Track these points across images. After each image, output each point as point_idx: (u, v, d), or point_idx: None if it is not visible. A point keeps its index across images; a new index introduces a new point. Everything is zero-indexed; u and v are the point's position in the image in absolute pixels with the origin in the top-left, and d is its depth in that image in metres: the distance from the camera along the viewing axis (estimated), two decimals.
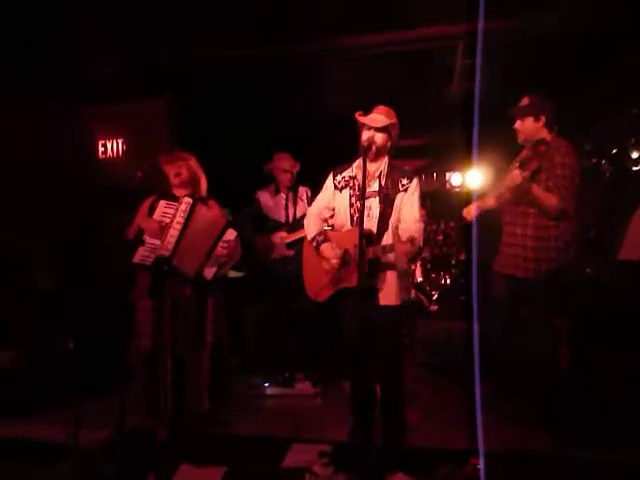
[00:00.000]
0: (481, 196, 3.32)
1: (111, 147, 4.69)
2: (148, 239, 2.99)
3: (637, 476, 2.35)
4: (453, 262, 5.05)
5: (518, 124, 3.10)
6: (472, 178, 5.81)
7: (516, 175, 2.87)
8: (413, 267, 3.00)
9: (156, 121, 4.50)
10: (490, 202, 3.22)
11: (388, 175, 2.75)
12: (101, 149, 4.68)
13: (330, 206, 2.90)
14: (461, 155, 5.85)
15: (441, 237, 2.39)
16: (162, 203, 3.06)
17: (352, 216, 2.76)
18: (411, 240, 2.53)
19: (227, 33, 3.55)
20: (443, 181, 6.10)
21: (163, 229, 2.99)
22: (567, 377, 2.89)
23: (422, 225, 2.68)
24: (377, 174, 2.76)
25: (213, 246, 3.01)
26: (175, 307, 2.98)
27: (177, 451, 2.74)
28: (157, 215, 3.03)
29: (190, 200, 3.05)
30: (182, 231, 2.99)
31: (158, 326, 2.95)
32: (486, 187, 5.75)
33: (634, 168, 3.83)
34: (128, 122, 4.54)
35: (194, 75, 4.08)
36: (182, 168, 3.11)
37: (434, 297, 5.01)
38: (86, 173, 4.55)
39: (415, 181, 2.74)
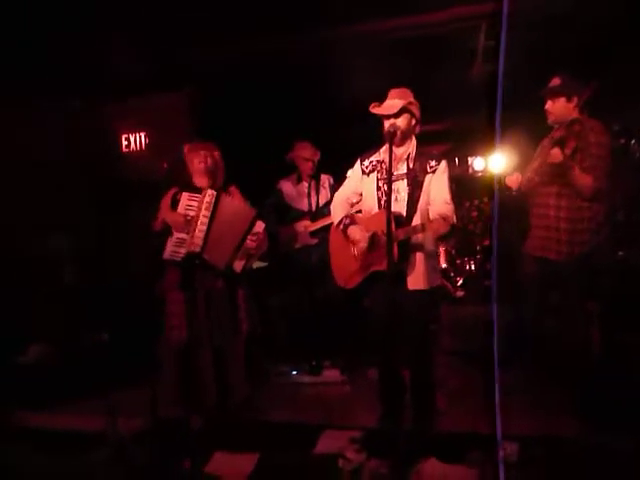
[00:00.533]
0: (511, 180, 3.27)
1: (134, 141, 4.76)
2: (176, 234, 3.01)
3: None
4: (478, 248, 5.02)
5: (549, 105, 3.05)
6: (495, 162, 5.74)
7: (556, 153, 2.82)
8: (438, 252, 2.97)
9: (177, 114, 4.54)
10: (523, 181, 3.18)
11: (416, 158, 2.73)
12: (125, 143, 4.75)
13: (358, 191, 2.90)
14: (483, 139, 5.78)
15: (475, 213, 2.37)
16: (185, 195, 3.06)
17: (380, 199, 2.75)
18: (444, 217, 2.50)
19: (244, 25, 3.54)
20: (465, 166, 6.03)
21: (189, 222, 3.00)
22: (598, 361, 2.85)
23: (452, 206, 2.65)
24: (405, 157, 2.75)
25: (243, 239, 3.04)
26: (209, 299, 3.02)
27: (211, 439, 2.79)
28: (181, 208, 3.04)
29: (214, 192, 3.05)
30: (210, 224, 3.01)
31: (193, 318, 2.98)
32: (508, 171, 5.69)
33: None
34: (150, 116, 4.59)
35: (214, 68, 4.08)
36: (207, 157, 3.12)
37: (459, 283, 4.98)
38: (111, 168, 4.61)
39: (443, 163, 2.72)
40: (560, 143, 2.84)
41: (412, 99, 2.72)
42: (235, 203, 3.12)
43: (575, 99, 3.00)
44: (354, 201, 2.93)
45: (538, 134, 3.36)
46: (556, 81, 3.05)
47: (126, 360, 3.51)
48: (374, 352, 2.94)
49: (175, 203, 3.06)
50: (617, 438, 2.43)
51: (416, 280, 2.70)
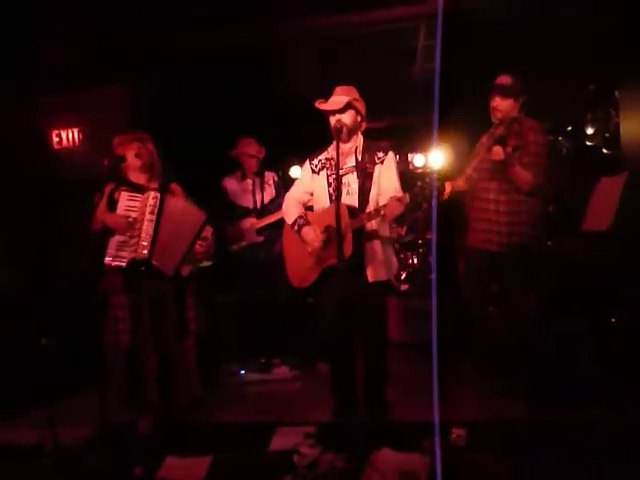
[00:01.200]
0: (451, 179, 3.39)
1: (67, 137, 4.52)
2: (118, 237, 2.85)
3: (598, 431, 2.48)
4: (420, 242, 5.16)
5: (497, 102, 3.14)
6: (434, 159, 5.91)
7: (498, 151, 2.95)
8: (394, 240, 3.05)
9: (114, 108, 4.35)
10: (460, 184, 3.31)
11: (364, 150, 2.77)
12: (56, 139, 4.50)
13: (308, 190, 2.91)
14: (423, 136, 5.95)
15: (427, 190, 2.41)
16: (124, 195, 2.89)
17: (331, 195, 2.76)
18: (397, 198, 2.52)
19: (189, 16, 3.44)
20: (406, 162, 6.16)
21: (132, 225, 2.85)
22: (538, 348, 3.01)
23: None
24: (352, 151, 2.78)
25: (192, 244, 2.94)
26: (155, 302, 2.91)
27: (162, 443, 2.71)
28: (121, 209, 2.87)
29: (157, 194, 2.90)
30: (156, 228, 2.86)
31: (138, 323, 2.87)
32: (448, 168, 5.90)
33: (589, 143, 3.98)
34: (85, 110, 4.38)
35: (155, 60, 3.94)
36: (141, 150, 2.95)
37: (402, 277, 5.09)
38: (43, 167, 4.36)
39: (391, 153, 2.77)
40: (501, 141, 2.97)
41: (357, 96, 2.76)
42: (182, 205, 2.99)
43: (521, 99, 3.14)
44: (305, 200, 2.94)
45: (476, 132, 3.50)
46: (506, 80, 3.15)
47: (69, 366, 3.34)
48: (327, 346, 2.95)
49: (113, 203, 2.88)
50: (560, 419, 2.58)
51: (376, 271, 2.71)
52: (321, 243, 2.73)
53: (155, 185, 3.01)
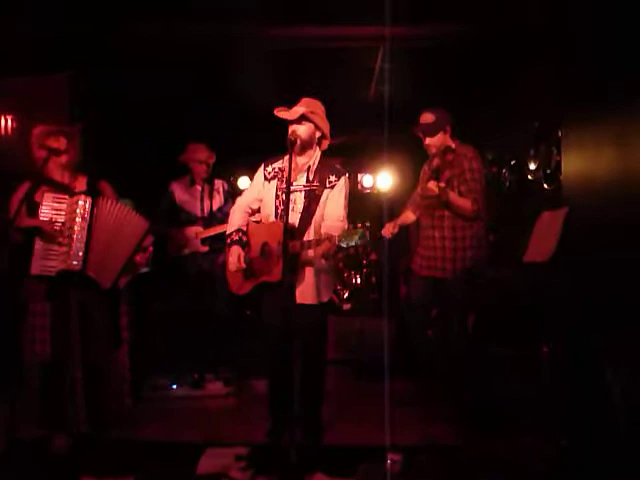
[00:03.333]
0: (398, 206, 3.44)
1: None
2: (45, 245, 2.57)
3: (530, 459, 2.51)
4: (364, 262, 5.17)
5: (427, 140, 3.22)
6: (383, 180, 5.99)
7: (432, 186, 3.00)
8: (330, 268, 3.03)
9: (54, 99, 4.09)
10: (409, 216, 3.36)
11: (317, 170, 2.72)
12: None
13: (259, 197, 2.83)
14: (373, 157, 6.02)
15: (356, 237, 2.40)
16: (48, 197, 2.59)
17: (277, 208, 2.70)
18: (329, 238, 2.51)
19: (144, 6, 3.28)
20: (355, 182, 6.20)
21: (59, 232, 2.58)
22: (477, 372, 3.04)
23: (344, 224, 2.65)
24: (305, 168, 2.73)
25: (132, 254, 2.75)
26: (83, 310, 2.68)
27: (78, 462, 2.49)
28: (46, 214, 2.57)
29: (88, 198, 2.64)
30: (88, 236, 2.63)
31: (63, 332, 2.63)
32: (395, 189, 5.99)
33: (530, 178, 4.13)
34: (21, 99, 4.08)
35: (102, 51, 3.73)
36: (69, 145, 2.66)
37: (345, 296, 5.08)
38: None
39: (343, 179, 2.72)
40: (436, 174, 3.04)
41: (318, 110, 2.72)
42: (118, 210, 2.73)
43: (449, 130, 3.22)
44: (254, 207, 2.86)
45: (425, 155, 3.55)
46: (429, 118, 3.21)
47: None
48: (264, 364, 2.85)
49: (33, 205, 2.57)
50: (497, 444, 2.59)
51: (304, 294, 2.67)
52: (236, 270, 2.70)
53: (82, 185, 2.75)
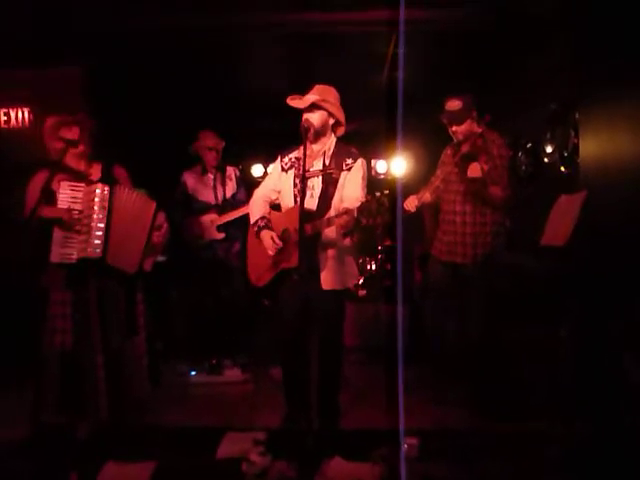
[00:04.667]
0: (413, 192, 3.40)
1: (15, 117, 4.25)
2: (63, 233, 2.61)
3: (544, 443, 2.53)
4: (379, 248, 5.16)
5: (454, 128, 3.16)
6: (397, 166, 5.94)
7: (476, 168, 2.97)
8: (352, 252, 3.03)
9: (69, 91, 4.12)
10: (427, 196, 3.31)
11: (333, 155, 2.72)
12: (4, 118, 4.22)
13: (277, 188, 2.84)
14: (387, 143, 5.96)
15: (375, 206, 2.38)
16: (65, 185, 2.62)
17: (296, 196, 2.70)
18: (347, 212, 2.50)
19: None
20: (368, 168, 6.15)
21: (78, 220, 2.61)
22: (490, 358, 3.04)
23: None
24: (321, 154, 2.73)
25: (149, 235, 2.77)
26: (102, 298, 2.72)
27: (102, 448, 2.56)
28: (63, 202, 2.60)
29: (105, 187, 2.66)
30: (108, 224, 2.65)
31: (83, 320, 2.67)
32: (410, 175, 5.94)
33: (547, 160, 4.07)
34: (37, 90, 4.12)
35: (115, 44, 3.75)
36: (82, 134, 2.67)
37: (360, 282, 5.08)
38: None
39: (360, 161, 2.72)
40: (472, 158, 2.98)
41: (331, 98, 2.70)
42: (134, 198, 2.77)
43: (475, 115, 3.15)
44: (273, 198, 2.87)
45: (439, 141, 3.52)
46: (457, 104, 3.14)
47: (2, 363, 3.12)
48: (282, 350, 2.87)
49: (50, 193, 2.59)
50: (510, 428, 2.61)
51: (329, 280, 2.67)
52: (275, 250, 2.68)
53: (97, 172, 2.79)
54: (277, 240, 2.68)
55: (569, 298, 2.80)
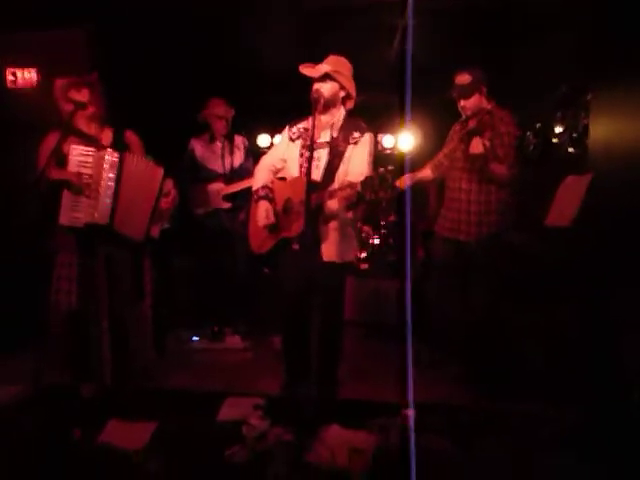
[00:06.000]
0: (419, 167, 3.37)
1: (22, 77, 4.21)
2: (72, 196, 2.61)
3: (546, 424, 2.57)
4: (382, 223, 5.16)
5: (462, 103, 3.12)
6: (404, 141, 5.89)
7: (478, 144, 2.93)
8: (356, 226, 3.02)
9: (75, 52, 4.07)
10: (427, 173, 3.28)
11: (341, 128, 2.71)
12: (10, 78, 4.19)
13: (283, 157, 2.84)
14: (394, 117, 5.90)
15: (377, 181, 2.37)
16: (75, 149, 2.62)
17: (301, 166, 2.71)
18: (350, 185, 2.50)
19: None
20: (376, 142, 6.11)
21: (87, 184, 2.61)
22: (491, 337, 3.07)
23: None
24: (329, 125, 2.72)
25: (156, 202, 2.78)
26: (109, 263, 2.75)
27: (105, 408, 2.62)
28: (73, 165, 2.61)
29: (116, 154, 2.66)
30: (116, 191, 2.66)
31: (89, 285, 2.71)
32: (417, 150, 5.90)
33: (555, 141, 4.04)
34: (43, 51, 4.08)
35: (123, 7, 3.69)
36: (92, 96, 2.66)
37: (362, 256, 5.10)
38: None
39: (367, 135, 2.71)
40: (477, 133, 2.95)
41: (344, 70, 2.68)
42: (143, 165, 2.77)
43: (484, 90, 3.12)
44: (278, 167, 2.87)
45: (447, 116, 3.48)
46: (466, 78, 3.09)
47: (7, 324, 3.18)
48: (282, 319, 2.91)
49: (61, 156, 2.60)
50: (504, 407, 2.65)
51: (330, 252, 2.69)
52: (266, 225, 2.71)
53: (108, 137, 2.79)
54: (271, 215, 2.71)
55: (570, 279, 2.81)
